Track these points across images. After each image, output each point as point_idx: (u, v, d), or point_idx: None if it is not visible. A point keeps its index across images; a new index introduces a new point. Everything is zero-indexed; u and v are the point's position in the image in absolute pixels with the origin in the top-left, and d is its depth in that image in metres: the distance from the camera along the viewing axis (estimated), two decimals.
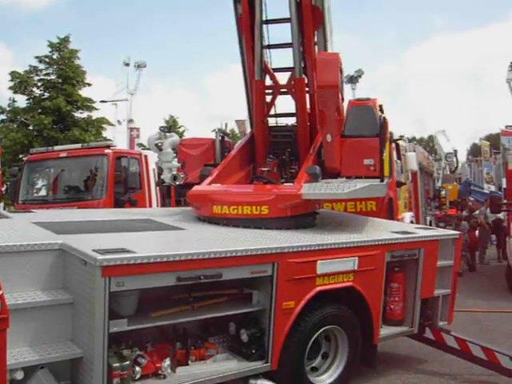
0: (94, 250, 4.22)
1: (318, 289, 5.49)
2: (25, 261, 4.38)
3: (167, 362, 4.81)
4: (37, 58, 27.78)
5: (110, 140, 22.50)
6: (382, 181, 6.44)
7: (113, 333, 4.28)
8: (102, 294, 4.11)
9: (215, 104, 76.74)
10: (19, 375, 4.07)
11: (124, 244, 4.58)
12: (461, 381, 6.64)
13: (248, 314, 5.32)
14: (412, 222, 12.65)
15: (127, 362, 4.49)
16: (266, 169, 7.61)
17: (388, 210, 9.76)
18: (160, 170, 7.68)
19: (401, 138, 12.61)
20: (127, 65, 31.21)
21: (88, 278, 4.21)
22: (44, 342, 4.32)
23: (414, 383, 6.57)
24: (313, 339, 5.61)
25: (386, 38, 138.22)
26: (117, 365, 4.40)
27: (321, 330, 5.67)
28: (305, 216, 6.63)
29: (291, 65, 7.63)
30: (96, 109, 29.08)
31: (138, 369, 4.61)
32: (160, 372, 4.75)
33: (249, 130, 9.16)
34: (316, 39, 7.68)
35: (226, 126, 8.79)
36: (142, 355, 4.70)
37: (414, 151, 14.74)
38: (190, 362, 5.01)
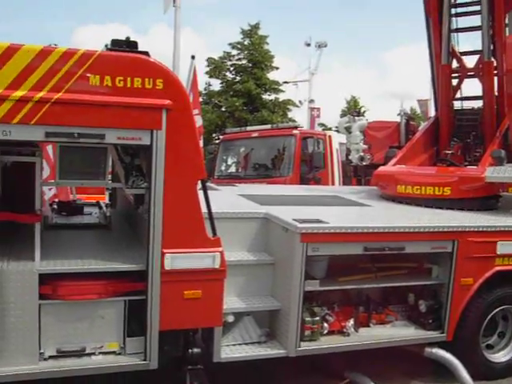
0: (294, 219, 4.95)
1: (497, 269, 5.68)
2: (236, 226, 5.27)
3: (351, 322, 5.42)
4: (229, 44, 29.80)
5: (295, 121, 23.55)
6: None
7: (307, 291, 4.99)
8: (300, 257, 4.82)
9: (395, 82, 74.90)
10: (230, 319, 4.96)
11: (318, 215, 5.26)
12: None
13: (426, 287, 5.73)
14: None
15: (317, 318, 5.18)
16: (449, 151, 7.80)
17: None
18: (348, 151, 8.25)
19: None
20: (308, 45, 31.69)
21: (288, 243, 4.95)
22: (249, 295, 5.20)
23: None
24: (489, 317, 5.83)
25: None
26: (309, 319, 5.11)
27: (498, 309, 5.88)
28: (487, 198, 6.77)
29: (479, 48, 7.68)
30: (282, 91, 30.42)
31: (325, 325, 5.28)
32: (344, 330, 5.38)
33: (432, 110, 9.31)
34: (507, 21, 7.63)
35: (411, 109, 9.04)
36: (329, 314, 5.37)
37: None
38: (371, 325, 5.58)
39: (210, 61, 29.43)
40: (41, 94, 3.93)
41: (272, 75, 30.17)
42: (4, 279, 4.11)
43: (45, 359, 4.35)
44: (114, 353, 4.53)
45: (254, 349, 5.02)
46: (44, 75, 3.95)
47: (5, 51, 3.86)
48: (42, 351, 4.33)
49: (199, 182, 4.48)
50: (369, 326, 5.56)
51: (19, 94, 3.88)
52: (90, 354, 4.46)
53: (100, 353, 4.49)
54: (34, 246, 4.33)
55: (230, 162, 15.17)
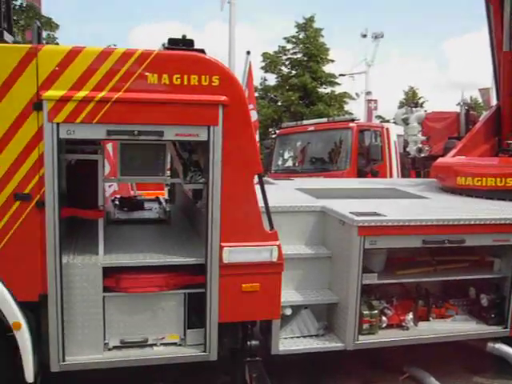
0: (351, 213, 4.94)
1: None
2: (293, 219, 5.30)
3: (410, 315, 5.36)
4: (284, 38, 29.78)
5: (351, 114, 23.35)
6: None
7: (365, 285, 4.97)
8: (357, 250, 4.81)
9: (457, 72, 72.75)
10: (288, 311, 5.02)
11: (375, 208, 5.23)
12: None
13: (488, 280, 5.60)
14: None
15: (375, 312, 5.15)
16: None
17: None
18: (406, 143, 8.16)
19: None
20: (364, 36, 31.17)
21: (345, 236, 4.95)
22: (307, 288, 5.24)
23: None
24: None
25: None
26: (367, 312, 5.09)
27: None
28: None
29: None
30: (338, 84, 30.21)
31: (384, 318, 5.26)
32: (403, 324, 5.33)
33: (494, 99, 9.05)
34: None
35: (471, 98, 8.86)
36: (387, 307, 5.33)
37: None
38: (430, 319, 5.51)
39: (265, 56, 29.52)
40: (102, 94, 4.07)
41: (328, 68, 30.01)
42: (70, 272, 4.29)
43: (109, 349, 4.53)
44: (174, 344, 4.66)
45: (311, 342, 5.06)
46: (105, 75, 4.09)
47: (68, 54, 4.02)
48: (106, 342, 4.51)
49: (256, 176, 4.54)
50: (428, 320, 5.49)
51: (82, 94, 4.04)
52: (151, 345, 4.61)
53: (161, 344, 4.63)
54: (97, 240, 4.51)
55: (286, 156, 15.19)
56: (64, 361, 4.35)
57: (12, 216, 4.11)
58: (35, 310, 4.31)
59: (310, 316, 5.16)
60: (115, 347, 4.55)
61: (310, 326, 5.14)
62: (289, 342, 5.03)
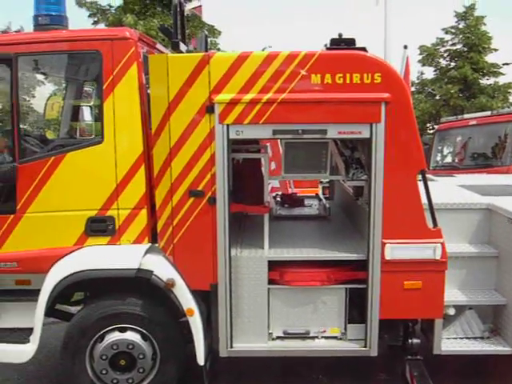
0: None
1: None
2: (457, 217, 5.13)
3: None
4: (443, 29, 28.54)
5: None
6: None
7: None
8: None
9: None
10: (451, 311, 4.89)
11: None
12: None
13: None
14: None
15: None
16: None
17: None
18: None
19: None
20: None
21: None
22: (471, 288, 5.05)
23: None
24: None
25: None
26: None
27: None
28: None
29: None
30: (502, 74, 28.32)
31: None
32: None
33: None
34: None
35: None
36: None
37: None
38: None
39: (422, 49, 28.52)
40: (268, 96, 4.29)
41: (490, 57, 28.23)
42: (238, 264, 4.58)
43: (273, 339, 4.76)
44: (335, 338, 4.78)
45: (476, 344, 4.89)
46: (270, 78, 4.31)
47: (236, 59, 4.29)
48: (270, 332, 4.74)
49: (419, 172, 4.49)
50: None
51: (249, 96, 4.29)
52: (313, 338, 4.77)
53: (322, 337, 4.77)
54: (261, 234, 4.75)
55: (445, 152, 14.66)
56: (232, 347, 4.65)
57: (187, 211, 4.48)
58: (206, 299, 4.65)
59: (474, 317, 4.98)
60: (278, 337, 4.77)
61: (475, 327, 4.97)
62: (452, 342, 4.91)
